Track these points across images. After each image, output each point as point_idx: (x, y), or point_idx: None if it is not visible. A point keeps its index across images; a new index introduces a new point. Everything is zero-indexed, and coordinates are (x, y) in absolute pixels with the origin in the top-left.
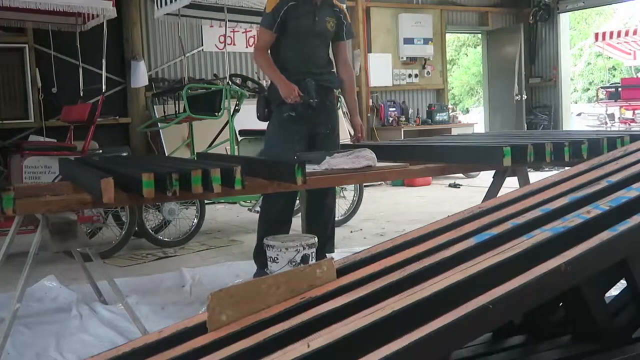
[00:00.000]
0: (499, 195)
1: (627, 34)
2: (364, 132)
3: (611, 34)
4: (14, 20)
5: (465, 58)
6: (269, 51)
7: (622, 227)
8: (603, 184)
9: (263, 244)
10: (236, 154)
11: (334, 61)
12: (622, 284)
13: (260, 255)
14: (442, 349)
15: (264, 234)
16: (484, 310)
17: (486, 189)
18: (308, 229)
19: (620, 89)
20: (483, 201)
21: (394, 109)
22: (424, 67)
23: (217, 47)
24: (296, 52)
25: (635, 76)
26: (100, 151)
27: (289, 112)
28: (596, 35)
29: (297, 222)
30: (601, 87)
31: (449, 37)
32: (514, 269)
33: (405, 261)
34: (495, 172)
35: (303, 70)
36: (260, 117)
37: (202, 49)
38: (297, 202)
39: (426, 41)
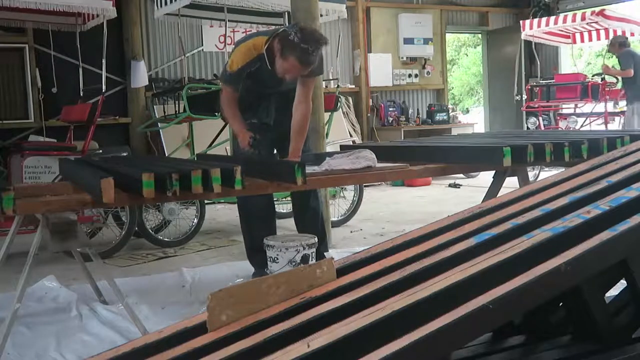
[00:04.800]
0: (499, 195)
1: (556, 21)
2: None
3: (547, 21)
4: (14, 20)
5: (465, 58)
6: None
7: (622, 227)
8: (603, 184)
9: (253, 246)
10: None
11: None
12: (622, 284)
13: (253, 256)
14: (442, 349)
15: (249, 236)
16: (484, 310)
17: (486, 189)
18: (297, 230)
19: (553, 87)
20: (483, 201)
21: (394, 109)
22: (424, 67)
23: (217, 47)
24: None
25: None
26: (100, 151)
27: (251, 119)
28: (523, 23)
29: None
30: (532, 86)
31: (449, 37)
32: (514, 269)
33: (405, 261)
34: (495, 172)
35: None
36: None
37: (202, 49)
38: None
39: (426, 41)
